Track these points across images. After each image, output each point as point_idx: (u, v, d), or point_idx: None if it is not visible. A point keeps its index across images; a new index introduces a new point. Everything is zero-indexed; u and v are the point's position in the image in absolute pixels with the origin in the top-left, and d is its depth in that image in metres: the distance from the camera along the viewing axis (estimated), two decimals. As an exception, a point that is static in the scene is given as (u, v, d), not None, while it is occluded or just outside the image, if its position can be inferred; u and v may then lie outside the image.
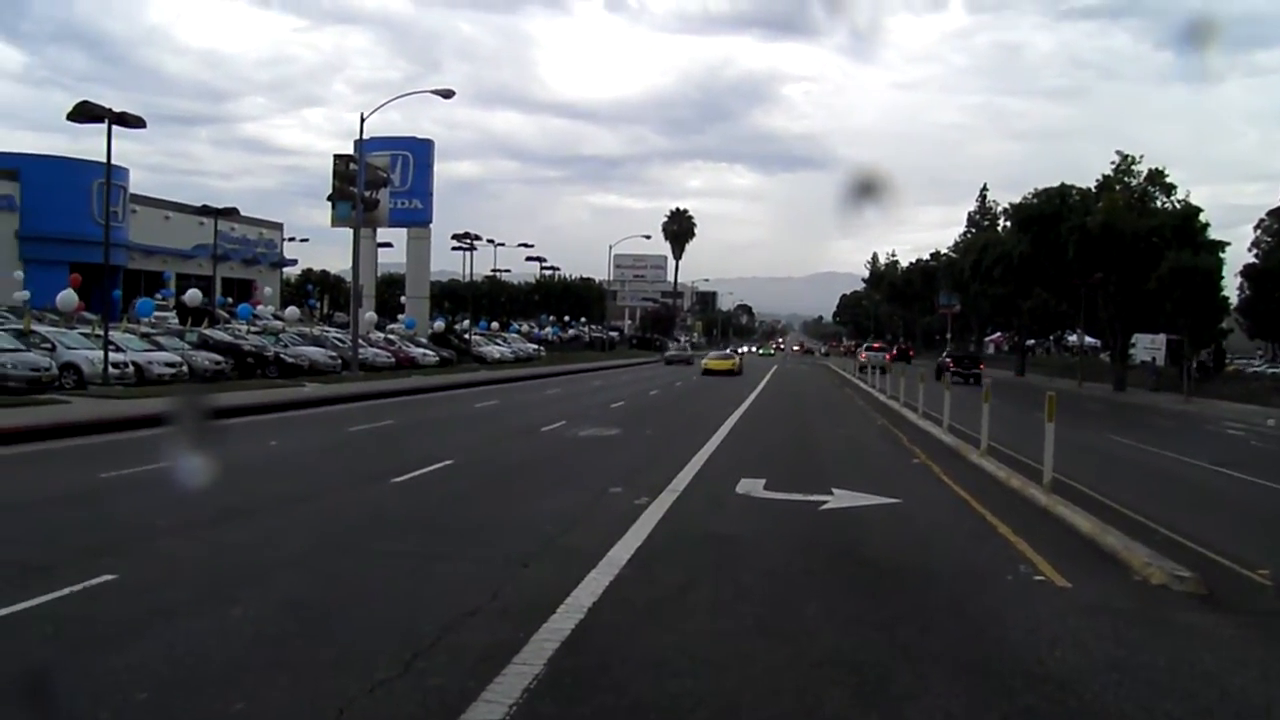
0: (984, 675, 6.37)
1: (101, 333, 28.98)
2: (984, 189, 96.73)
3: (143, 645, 6.53)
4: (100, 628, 6.85)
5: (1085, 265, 54.18)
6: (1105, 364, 68.62)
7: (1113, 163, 56.65)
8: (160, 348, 32.52)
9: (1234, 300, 64.29)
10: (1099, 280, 55.49)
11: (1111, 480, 15.79)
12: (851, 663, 6.47)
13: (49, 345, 28.18)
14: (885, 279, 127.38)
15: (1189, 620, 7.88)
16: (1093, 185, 57.36)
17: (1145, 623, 7.77)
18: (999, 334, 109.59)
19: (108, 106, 27.08)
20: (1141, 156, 56.27)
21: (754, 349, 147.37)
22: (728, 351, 68.48)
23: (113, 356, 27.60)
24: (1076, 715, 5.79)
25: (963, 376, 33.93)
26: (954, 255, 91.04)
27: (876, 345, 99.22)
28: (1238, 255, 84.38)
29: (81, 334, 31.78)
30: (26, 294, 47.92)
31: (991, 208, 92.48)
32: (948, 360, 56.59)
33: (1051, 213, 55.90)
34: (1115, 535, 10.52)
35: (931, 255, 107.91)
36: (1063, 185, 57.99)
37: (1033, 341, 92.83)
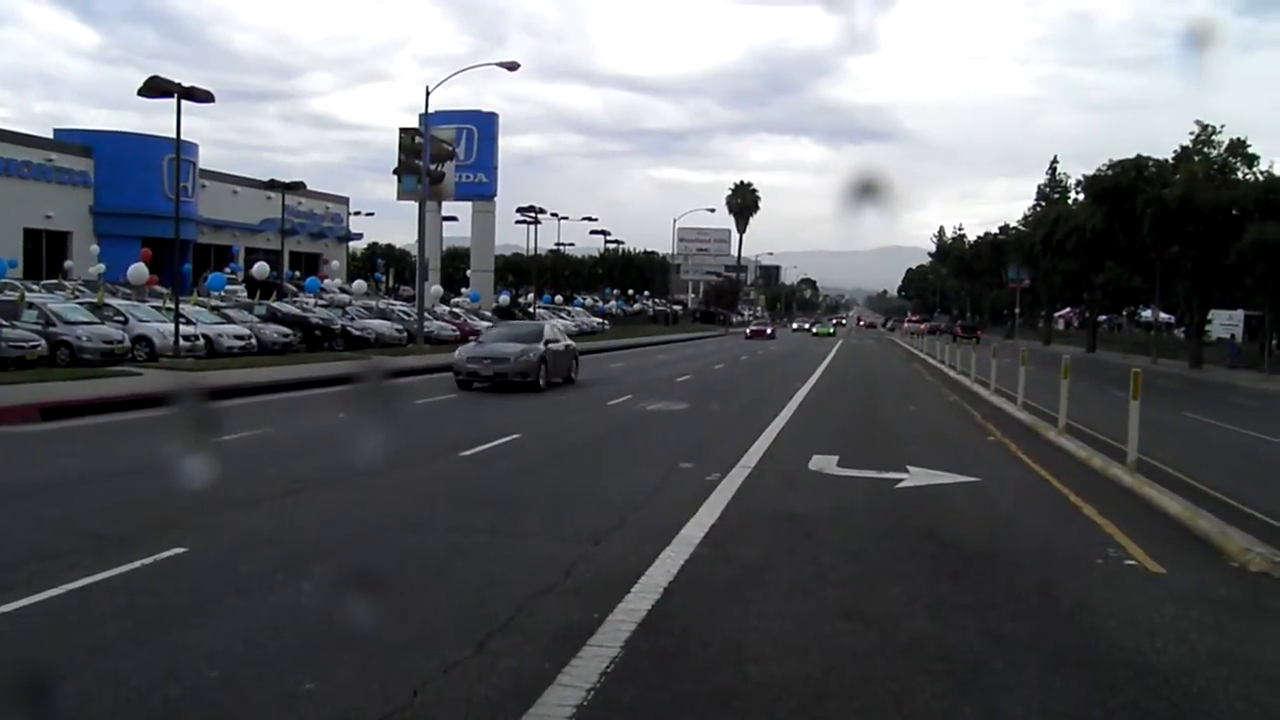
0: (1081, 666, 6.08)
1: (172, 306, 29.30)
2: (1054, 161, 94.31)
3: (213, 620, 6.46)
4: (171, 600, 6.81)
5: (1161, 238, 52.67)
6: (1179, 341, 66.99)
7: (1191, 133, 54.88)
8: (229, 321, 32.91)
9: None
10: (1175, 254, 53.97)
11: (1196, 461, 15.22)
12: (940, 650, 6.19)
13: (122, 318, 28.66)
14: (952, 253, 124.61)
15: (1294, 610, 7.49)
16: (1170, 157, 55.64)
17: (1248, 612, 7.40)
18: (1069, 309, 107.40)
19: (177, 82, 27.25)
20: (1222, 126, 54.45)
21: (808, 326, 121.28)
22: None
23: (183, 329, 27.90)
24: (1186, 712, 5.47)
25: (966, 338, 54.44)
26: (1023, 229, 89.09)
27: (915, 318, 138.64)
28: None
29: (153, 307, 32.21)
30: (102, 267, 48.73)
31: (1062, 180, 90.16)
32: (957, 328, 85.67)
33: (1127, 185, 54.23)
34: (1208, 519, 10.07)
35: (1000, 229, 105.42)
36: (1139, 157, 56.24)
37: (1104, 317, 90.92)
